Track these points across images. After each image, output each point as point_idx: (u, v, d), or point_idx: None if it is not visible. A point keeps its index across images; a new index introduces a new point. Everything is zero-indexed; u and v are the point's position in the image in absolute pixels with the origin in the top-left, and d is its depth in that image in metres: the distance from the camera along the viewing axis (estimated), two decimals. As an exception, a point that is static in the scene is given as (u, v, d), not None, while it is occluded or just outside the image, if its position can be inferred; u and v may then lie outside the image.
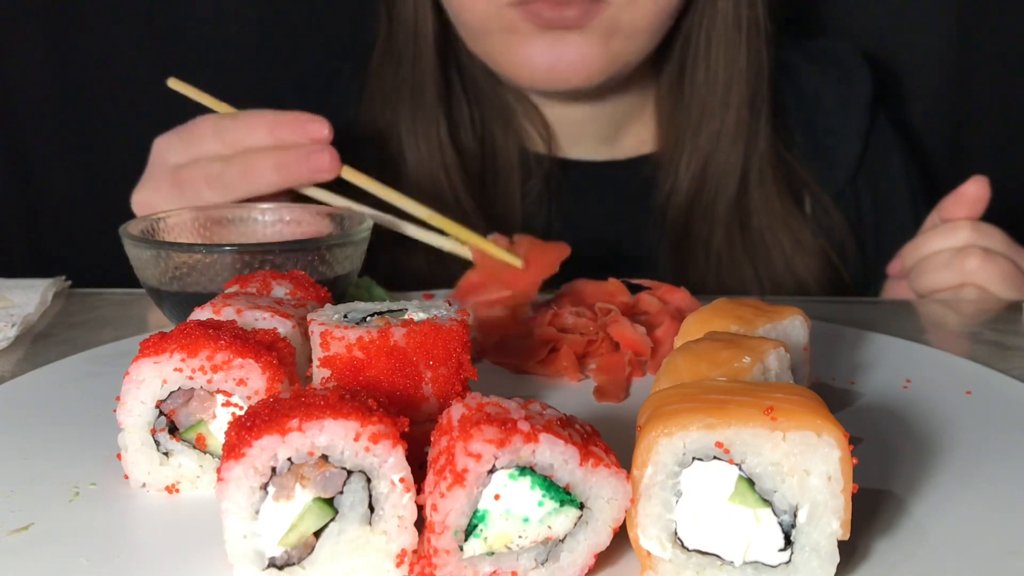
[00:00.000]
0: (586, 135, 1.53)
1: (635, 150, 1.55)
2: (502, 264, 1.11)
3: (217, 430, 0.70)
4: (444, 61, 1.45)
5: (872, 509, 0.66)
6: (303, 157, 1.14)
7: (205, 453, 0.70)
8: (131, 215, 1.20)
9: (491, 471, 0.56)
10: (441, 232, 1.17)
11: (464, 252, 1.16)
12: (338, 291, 1.00)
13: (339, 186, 1.17)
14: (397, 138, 1.46)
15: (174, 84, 1.21)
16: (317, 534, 0.58)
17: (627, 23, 1.32)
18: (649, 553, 0.58)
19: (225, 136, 1.18)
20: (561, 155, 1.53)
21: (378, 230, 1.08)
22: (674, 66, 1.47)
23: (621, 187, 1.54)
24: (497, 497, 0.56)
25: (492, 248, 1.12)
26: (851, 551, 0.61)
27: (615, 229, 1.53)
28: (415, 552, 0.59)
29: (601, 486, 0.57)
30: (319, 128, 1.15)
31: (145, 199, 1.21)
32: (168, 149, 1.21)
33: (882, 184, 1.58)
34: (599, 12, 1.30)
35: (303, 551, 0.58)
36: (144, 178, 1.23)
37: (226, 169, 1.15)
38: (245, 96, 1.27)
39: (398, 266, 1.41)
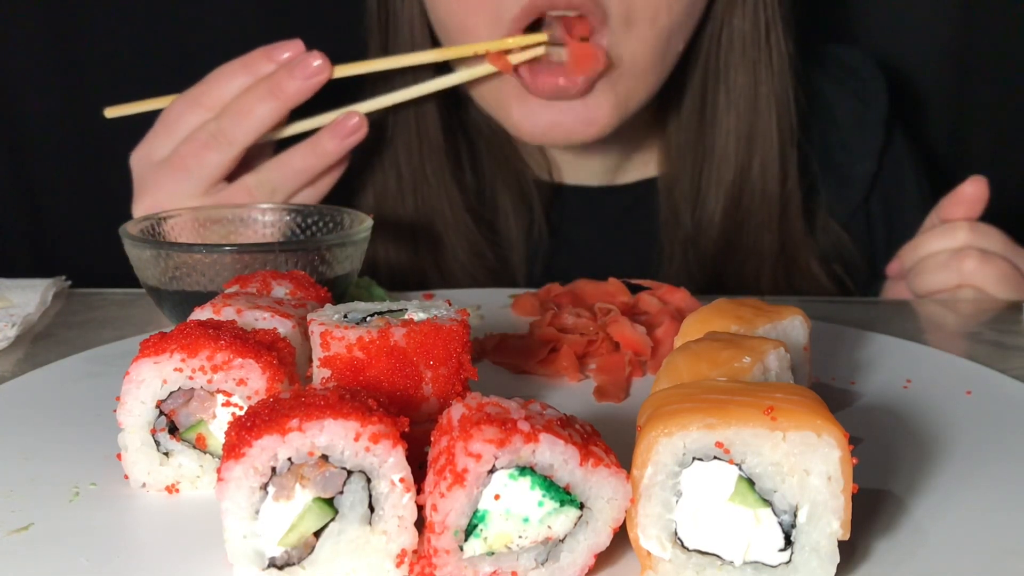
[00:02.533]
0: (589, 165, 1.48)
1: (640, 174, 1.50)
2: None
3: (217, 430, 0.70)
4: (441, 94, 1.38)
5: (872, 509, 0.66)
6: (293, 69, 1.08)
7: (205, 453, 0.70)
8: (131, 215, 1.20)
9: (491, 471, 0.56)
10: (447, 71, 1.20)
11: (488, 68, 1.18)
12: (338, 291, 1.00)
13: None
14: (396, 168, 1.40)
15: (111, 112, 1.19)
16: (317, 534, 0.58)
17: (628, 58, 1.23)
18: (649, 553, 0.58)
19: (203, 101, 1.13)
20: (563, 181, 1.48)
21: (378, 223, 1.07)
22: (695, 92, 1.39)
23: (626, 212, 1.49)
24: (497, 497, 0.56)
25: (509, 42, 1.17)
26: (851, 551, 0.61)
27: (621, 254, 1.49)
28: (415, 552, 0.59)
29: (601, 486, 0.57)
30: (293, 45, 1.10)
31: (148, 203, 1.17)
32: (149, 152, 1.17)
33: (896, 203, 1.52)
34: (598, 66, 1.21)
35: (303, 551, 0.58)
36: (138, 190, 1.20)
37: (220, 123, 1.10)
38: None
39: (398, 266, 1.41)
